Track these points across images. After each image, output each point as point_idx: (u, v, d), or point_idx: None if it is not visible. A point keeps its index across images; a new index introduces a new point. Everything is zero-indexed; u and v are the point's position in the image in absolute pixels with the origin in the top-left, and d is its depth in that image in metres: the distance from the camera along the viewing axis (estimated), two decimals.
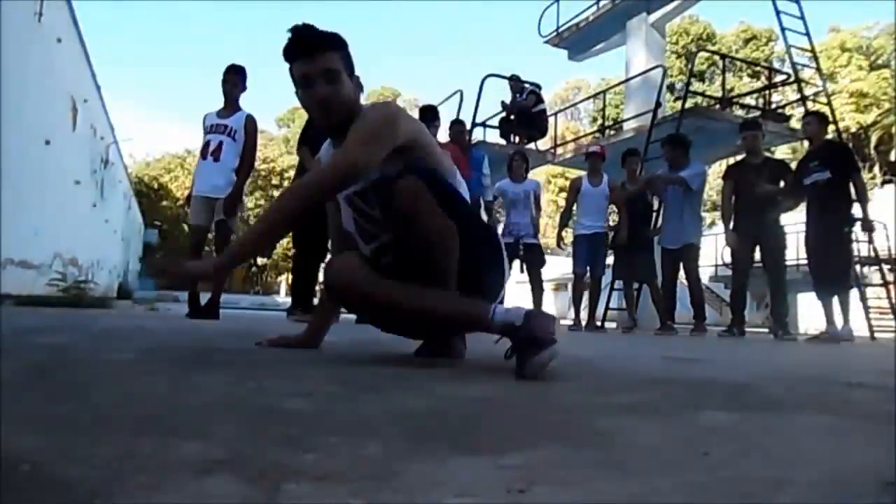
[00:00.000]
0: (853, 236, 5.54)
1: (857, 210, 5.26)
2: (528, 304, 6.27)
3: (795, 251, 5.99)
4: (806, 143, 5.88)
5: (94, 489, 0.49)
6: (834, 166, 5.15)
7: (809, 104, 8.15)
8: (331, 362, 1.62)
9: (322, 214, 1.95)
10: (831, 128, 6.94)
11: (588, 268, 6.21)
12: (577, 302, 6.39)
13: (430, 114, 5.49)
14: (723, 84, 9.42)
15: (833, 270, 5.12)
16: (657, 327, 5.94)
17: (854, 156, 5.61)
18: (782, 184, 5.46)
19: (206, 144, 4.65)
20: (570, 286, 6.47)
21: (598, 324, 6.44)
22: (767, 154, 6.70)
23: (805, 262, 5.54)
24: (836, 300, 5.11)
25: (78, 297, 6.64)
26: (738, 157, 6.65)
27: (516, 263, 6.06)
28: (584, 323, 6.22)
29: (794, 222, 5.98)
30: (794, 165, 5.71)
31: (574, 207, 6.40)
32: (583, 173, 6.50)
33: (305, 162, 4.60)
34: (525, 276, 6.24)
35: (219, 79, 4.76)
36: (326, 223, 1.98)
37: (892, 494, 0.54)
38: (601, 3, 10.38)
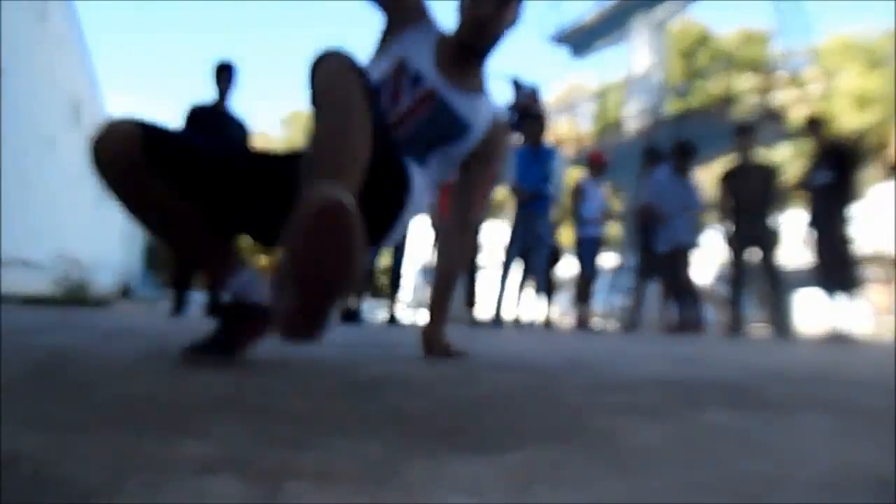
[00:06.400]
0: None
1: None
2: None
3: (795, 251, 5.99)
4: (805, 143, 5.90)
5: (94, 488, 0.49)
6: (840, 167, 5.16)
7: (809, 104, 8.14)
8: (331, 362, 1.62)
9: None
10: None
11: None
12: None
13: None
14: (723, 84, 9.40)
15: (842, 270, 5.12)
16: (663, 328, 5.95)
17: (859, 157, 5.61)
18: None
19: None
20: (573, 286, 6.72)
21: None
22: (765, 155, 6.70)
23: (805, 261, 5.55)
24: (840, 300, 5.12)
25: (79, 296, 6.64)
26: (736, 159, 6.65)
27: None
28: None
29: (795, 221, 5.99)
30: (792, 165, 5.72)
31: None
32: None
33: None
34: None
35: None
36: None
37: (892, 494, 0.54)
38: (602, 3, 10.38)
